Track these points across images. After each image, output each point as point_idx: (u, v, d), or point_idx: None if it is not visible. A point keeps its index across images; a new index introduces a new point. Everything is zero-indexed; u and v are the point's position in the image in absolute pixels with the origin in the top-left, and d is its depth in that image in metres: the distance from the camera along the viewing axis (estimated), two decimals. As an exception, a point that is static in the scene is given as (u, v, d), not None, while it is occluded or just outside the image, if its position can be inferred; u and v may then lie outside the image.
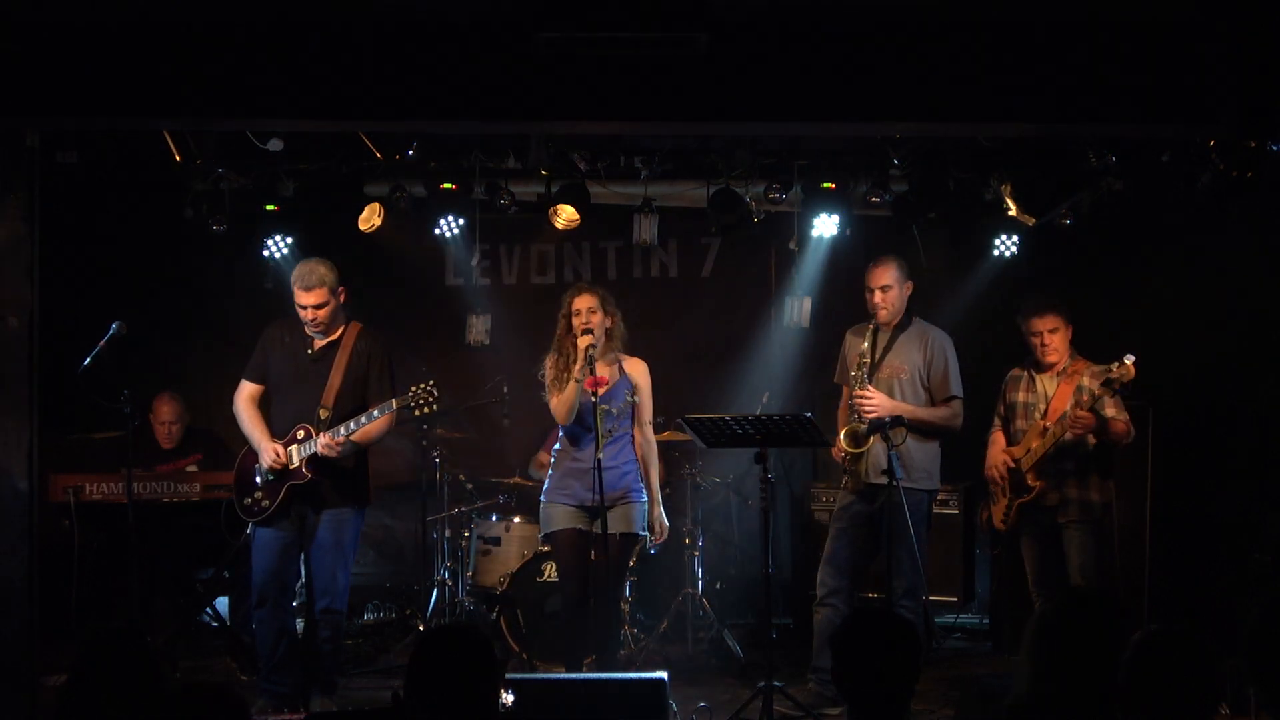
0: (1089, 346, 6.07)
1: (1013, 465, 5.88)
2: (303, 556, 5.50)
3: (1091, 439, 5.80)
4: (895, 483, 5.50)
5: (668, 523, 5.74)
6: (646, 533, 5.69)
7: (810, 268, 7.92)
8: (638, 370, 5.65)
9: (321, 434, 5.36)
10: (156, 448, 7.13)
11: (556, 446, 5.71)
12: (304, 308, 5.48)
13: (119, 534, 5.65)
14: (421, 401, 5.31)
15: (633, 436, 5.61)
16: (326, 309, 5.49)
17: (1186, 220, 6.71)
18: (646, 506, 5.64)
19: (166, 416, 7.16)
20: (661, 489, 7.03)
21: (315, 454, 5.38)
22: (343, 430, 5.35)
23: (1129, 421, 5.79)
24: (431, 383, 5.34)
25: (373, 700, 6.03)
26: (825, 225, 7.42)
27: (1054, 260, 7.62)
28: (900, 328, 5.87)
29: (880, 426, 5.57)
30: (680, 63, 4.79)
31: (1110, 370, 5.56)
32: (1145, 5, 4.88)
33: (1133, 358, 5.52)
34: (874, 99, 5.06)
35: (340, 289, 5.57)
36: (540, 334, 5.79)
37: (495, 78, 4.93)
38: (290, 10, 4.86)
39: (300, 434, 5.43)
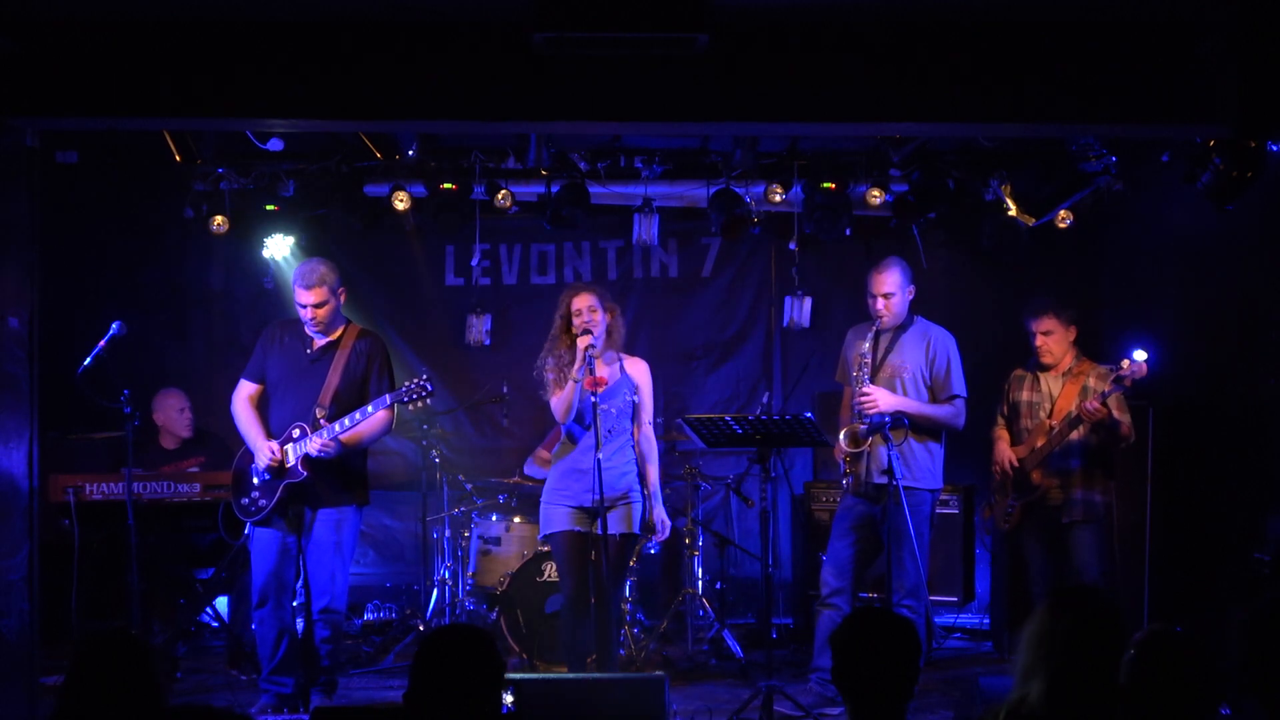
0: (1089, 347, 6.07)
1: (1016, 465, 5.88)
2: (301, 557, 5.50)
3: (1094, 436, 5.80)
4: (896, 483, 5.50)
5: (669, 520, 5.74)
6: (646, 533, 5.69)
7: (810, 268, 7.92)
8: (638, 370, 5.64)
9: (313, 435, 5.37)
10: (159, 450, 7.11)
11: (556, 446, 5.71)
12: (304, 306, 5.49)
13: (119, 534, 5.65)
14: (415, 394, 5.32)
15: (633, 436, 5.60)
16: (326, 308, 5.50)
17: (1186, 220, 6.70)
18: (647, 507, 5.64)
19: (180, 403, 7.16)
20: (661, 489, 7.05)
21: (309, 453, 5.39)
22: (336, 427, 5.35)
23: (1130, 425, 5.80)
24: (425, 377, 5.36)
25: (373, 700, 6.04)
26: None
27: (1054, 260, 7.63)
28: (902, 328, 5.87)
29: (880, 426, 5.57)
30: (680, 63, 4.79)
31: (1120, 368, 5.55)
32: (1145, 5, 4.88)
33: (1144, 354, 5.51)
34: (874, 99, 5.07)
35: (340, 289, 5.58)
36: (540, 334, 5.79)
37: (495, 78, 4.94)
38: (291, 10, 4.87)
39: (296, 433, 5.44)
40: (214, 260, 8.10)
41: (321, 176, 7.45)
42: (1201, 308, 6.79)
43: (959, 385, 5.82)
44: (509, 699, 4.15)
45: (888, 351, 5.84)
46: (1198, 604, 6.33)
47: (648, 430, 5.64)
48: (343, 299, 5.62)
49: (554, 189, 7.41)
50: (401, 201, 7.31)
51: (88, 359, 5.38)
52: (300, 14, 4.89)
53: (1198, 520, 6.58)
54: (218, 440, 7.10)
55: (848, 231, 7.47)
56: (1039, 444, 5.83)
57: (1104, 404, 5.63)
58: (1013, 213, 7.19)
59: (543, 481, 5.81)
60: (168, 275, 8.09)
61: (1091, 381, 5.80)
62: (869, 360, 5.78)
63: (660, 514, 5.64)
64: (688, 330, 8.33)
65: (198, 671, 6.58)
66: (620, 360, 5.61)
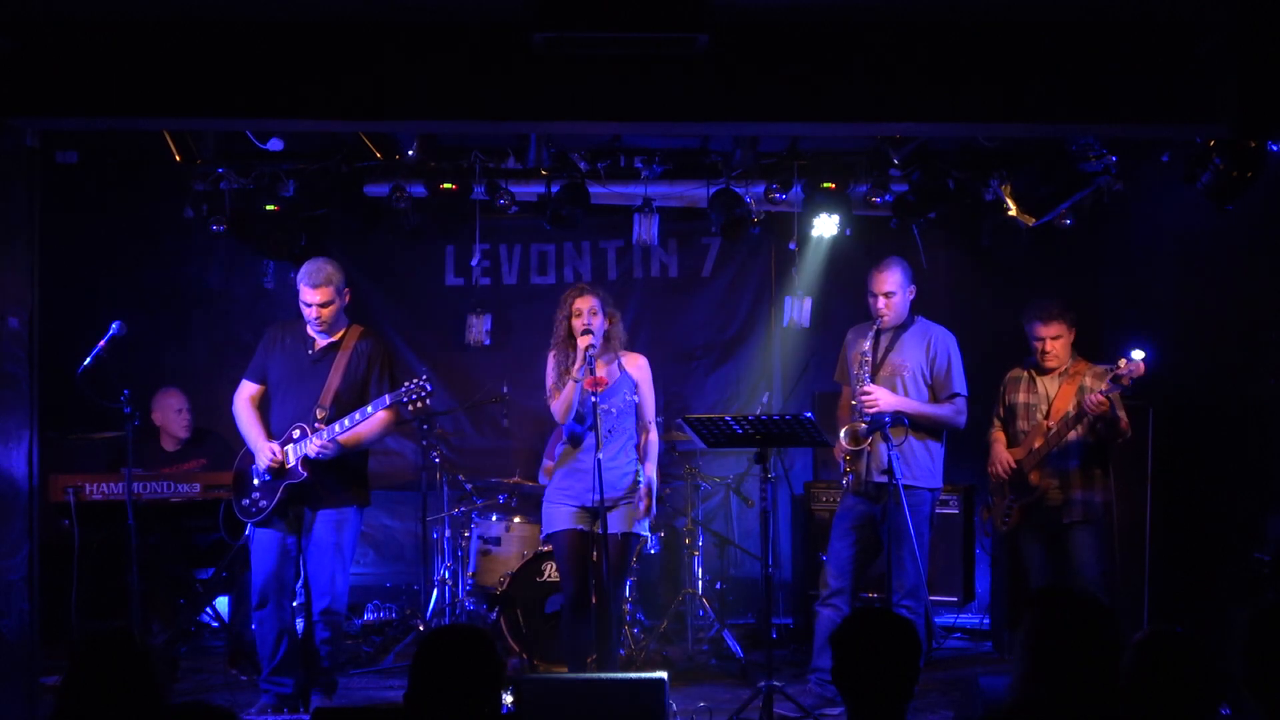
0: (1088, 347, 6.07)
1: (1014, 466, 5.88)
2: (301, 557, 5.51)
3: (1092, 436, 5.80)
4: (895, 483, 5.50)
5: (655, 508, 5.67)
6: (647, 533, 5.70)
7: (810, 268, 7.93)
8: (637, 366, 5.64)
9: (313, 436, 5.37)
10: (159, 451, 7.09)
11: (559, 447, 5.72)
12: (309, 305, 5.49)
13: (119, 534, 5.65)
14: (415, 396, 5.32)
15: (636, 435, 5.61)
16: (331, 308, 5.51)
17: (1186, 220, 6.70)
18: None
19: (179, 404, 7.14)
20: (662, 489, 7.05)
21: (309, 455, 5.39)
22: (336, 428, 5.35)
23: (1127, 420, 5.80)
24: (424, 377, 5.36)
25: (373, 700, 6.04)
26: (825, 225, 7.43)
27: (1054, 260, 7.62)
28: (903, 327, 5.87)
29: (881, 425, 5.57)
30: (680, 63, 4.79)
31: (1117, 367, 5.55)
32: (1145, 5, 4.88)
33: (1141, 353, 5.51)
34: (874, 99, 5.07)
35: (346, 289, 5.59)
36: (540, 334, 5.80)
37: (495, 78, 4.94)
38: (291, 10, 4.87)
39: (296, 434, 5.44)
40: (214, 260, 8.10)
41: (321, 176, 7.45)
42: (1201, 308, 6.79)
43: (960, 384, 5.82)
44: (509, 699, 4.16)
45: (888, 350, 5.84)
46: (1198, 604, 6.32)
47: (652, 432, 5.63)
48: (347, 299, 5.63)
49: (554, 189, 7.42)
50: (401, 202, 7.32)
51: (88, 359, 5.38)
52: (300, 14, 4.88)
53: (1198, 520, 6.58)
54: (218, 440, 7.09)
55: (848, 231, 7.47)
56: (1036, 445, 5.82)
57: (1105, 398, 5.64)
58: (1013, 213, 7.18)
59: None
60: (168, 275, 8.09)
61: (1088, 380, 5.80)
62: (870, 359, 5.79)
63: (651, 504, 5.58)
64: (688, 330, 8.33)
65: (198, 671, 6.57)
66: (618, 359, 5.62)
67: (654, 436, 5.67)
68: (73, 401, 5.43)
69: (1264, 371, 6.16)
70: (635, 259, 8.28)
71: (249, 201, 7.42)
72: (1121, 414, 5.75)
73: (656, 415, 5.77)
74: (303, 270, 5.55)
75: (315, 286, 5.48)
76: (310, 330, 5.58)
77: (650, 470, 5.61)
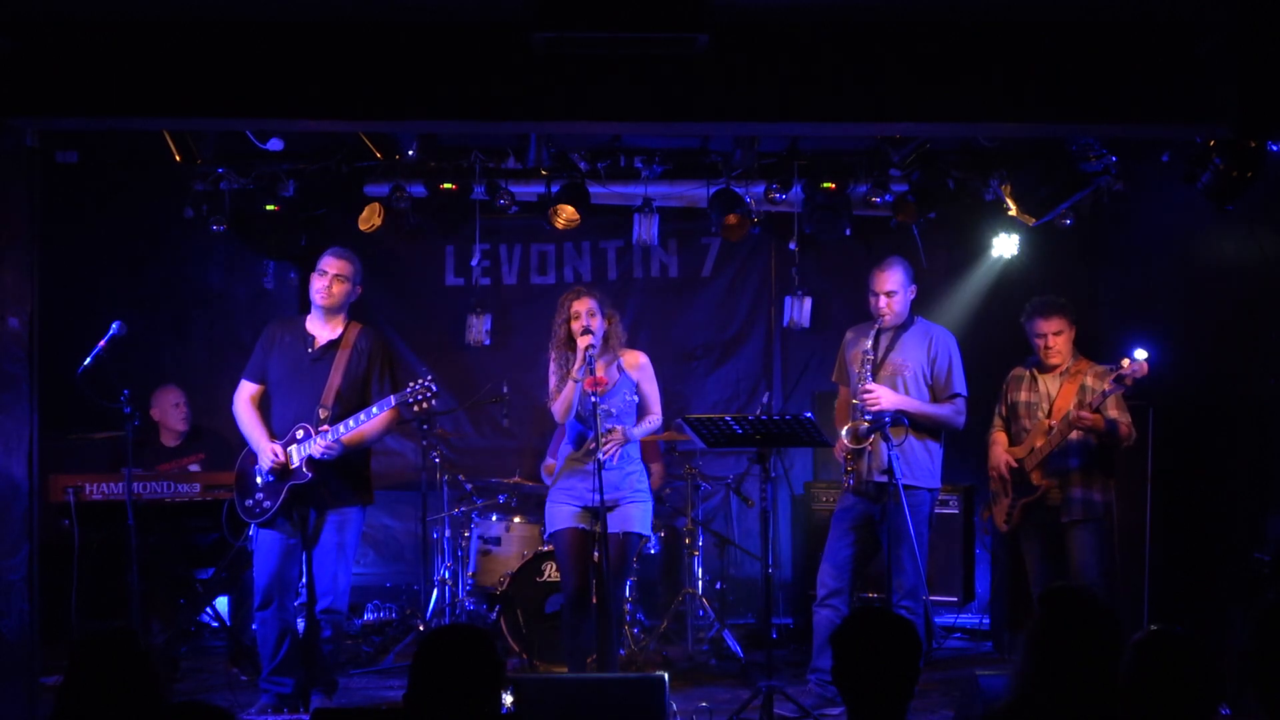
0: (1088, 347, 6.07)
1: (1015, 465, 5.88)
2: (304, 556, 5.51)
3: (1094, 437, 5.80)
4: (895, 483, 5.50)
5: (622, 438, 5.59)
6: (649, 533, 5.70)
7: (810, 268, 7.92)
8: (636, 363, 5.64)
9: (317, 437, 5.37)
10: (159, 446, 7.13)
11: (563, 447, 5.73)
12: (324, 273, 5.51)
13: (119, 534, 5.65)
14: (420, 397, 5.33)
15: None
16: (343, 287, 5.53)
17: (1186, 220, 6.70)
18: (649, 507, 5.65)
19: (176, 398, 7.18)
20: (661, 489, 7.07)
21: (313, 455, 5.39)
22: (341, 429, 5.36)
23: (1130, 424, 5.80)
24: (430, 379, 5.37)
25: (373, 700, 6.04)
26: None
27: (1054, 260, 7.62)
28: (903, 327, 5.87)
29: (882, 424, 5.57)
30: (680, 63, 4.79)
31: (1120, 367, 5.55)
32: (1145, 5, 4.88)
33: (1145, 353, 5.51)
34: (874, 99, 5.07)
35: (359, 285, 5.62)
36: (540, 334, 5.80)
37: (495, 77, 4.94)
38: (291, 10, 4.87)
39: (299, 434, 5.43)
40: (214, 260, 8.10)
41: (321, 176, 7.45)
42: (1201, 308, 6.79)
43: (960, 385, 5.82)
44: (509, 699, 4.15)
45: (889, 350, 5.84)
46: (1198, 604, 6.32)
47: (656, 419, 5.63)
48: (358, 294, 5.65)
49: (554, 189, 7.42)
50: (402, 202, 7.32)
51: (88, 359, 5.38)
52: (300, 14, 4.89)
53: (1198, 520, 6.58)
54: (215, 436, 7.14)
55: (848, 231, 7.47)
56: (1038, 444, 5.82)
57: (1101, 407, 5.64)
58: (1013, 213, 7.19)
59: (548, 488, 5.83)
60: (168, 275, 8.09)
61: (1089, 380, 5.80)
62: (871, 358, 5.78)
63: (623, 435, 5.52)
64: (688, 330, 8.33)
65: (198, 671, 6.58)
66: (618, 360, 5.62)
67: (656, 420, 5.65)
68: (73, 401, 5.42)
69: (1264, 371, 6.16)
70: (635, 259, 8.28)
71: (249, 201, 7.41)
72: (1123, 418, 5.74)
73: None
74: (329, 249, 5.62)
75: (337, 258, 5.55)
76: (310, 323, 5.58)
77: (636, 430, 5.59)
